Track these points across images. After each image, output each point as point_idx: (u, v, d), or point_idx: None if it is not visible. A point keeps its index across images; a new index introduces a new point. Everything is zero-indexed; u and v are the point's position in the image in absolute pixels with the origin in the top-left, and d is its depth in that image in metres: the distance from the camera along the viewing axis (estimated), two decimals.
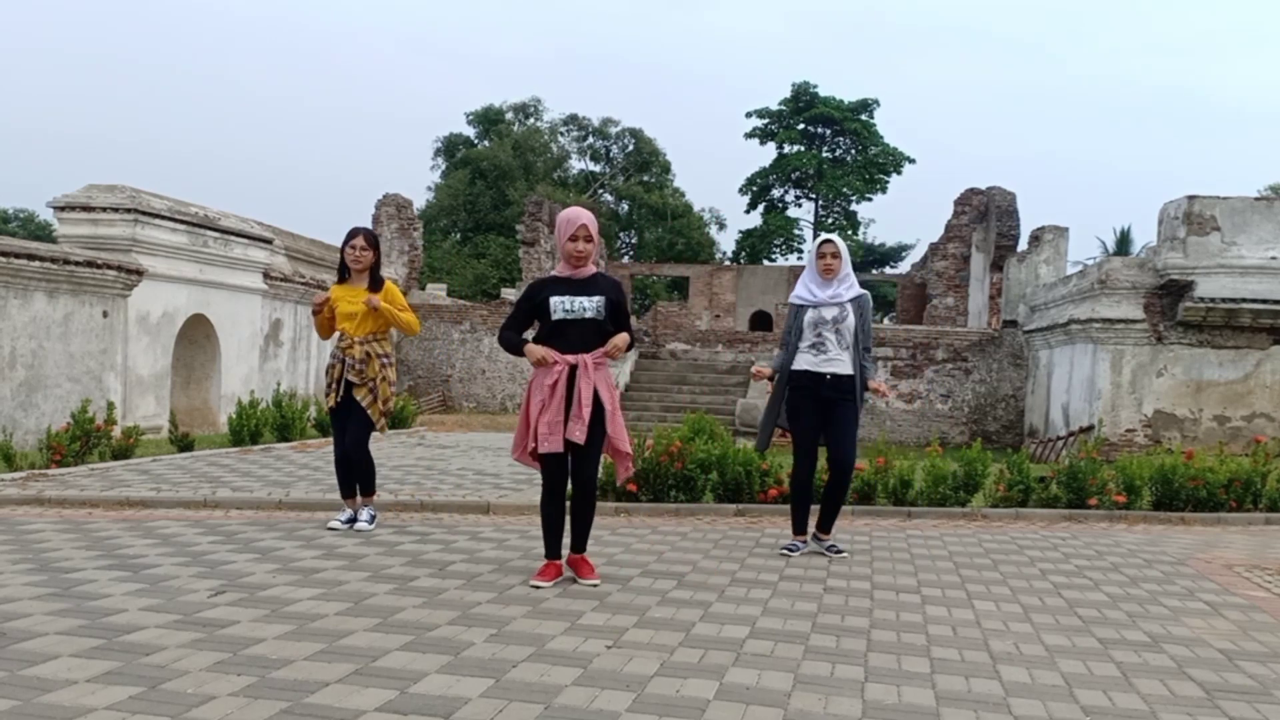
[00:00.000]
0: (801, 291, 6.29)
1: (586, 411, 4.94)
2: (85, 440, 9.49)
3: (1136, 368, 15.51)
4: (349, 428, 6.52)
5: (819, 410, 6.15)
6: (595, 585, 5.03)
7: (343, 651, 3.75)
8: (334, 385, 6.48)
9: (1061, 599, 5.15)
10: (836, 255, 6.19)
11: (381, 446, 12.36)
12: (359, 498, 6.66)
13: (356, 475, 6.60)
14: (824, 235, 6.37)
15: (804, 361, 6.14)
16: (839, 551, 6.19)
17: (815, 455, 6.30)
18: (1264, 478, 8.66)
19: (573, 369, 4.98)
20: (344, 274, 6.60)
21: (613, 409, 5.09)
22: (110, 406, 10.80)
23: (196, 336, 15.05)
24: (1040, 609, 4.91)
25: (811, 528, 6.38)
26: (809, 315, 6.17)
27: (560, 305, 5.00)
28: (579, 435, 4.95)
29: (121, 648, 3.71)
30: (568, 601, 4.71)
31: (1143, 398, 15.50)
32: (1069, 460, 8.81)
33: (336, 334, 6.68)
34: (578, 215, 5.08)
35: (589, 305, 5.01)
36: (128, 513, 7.16)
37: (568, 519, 5.21)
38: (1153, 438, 15.31)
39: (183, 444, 11.01)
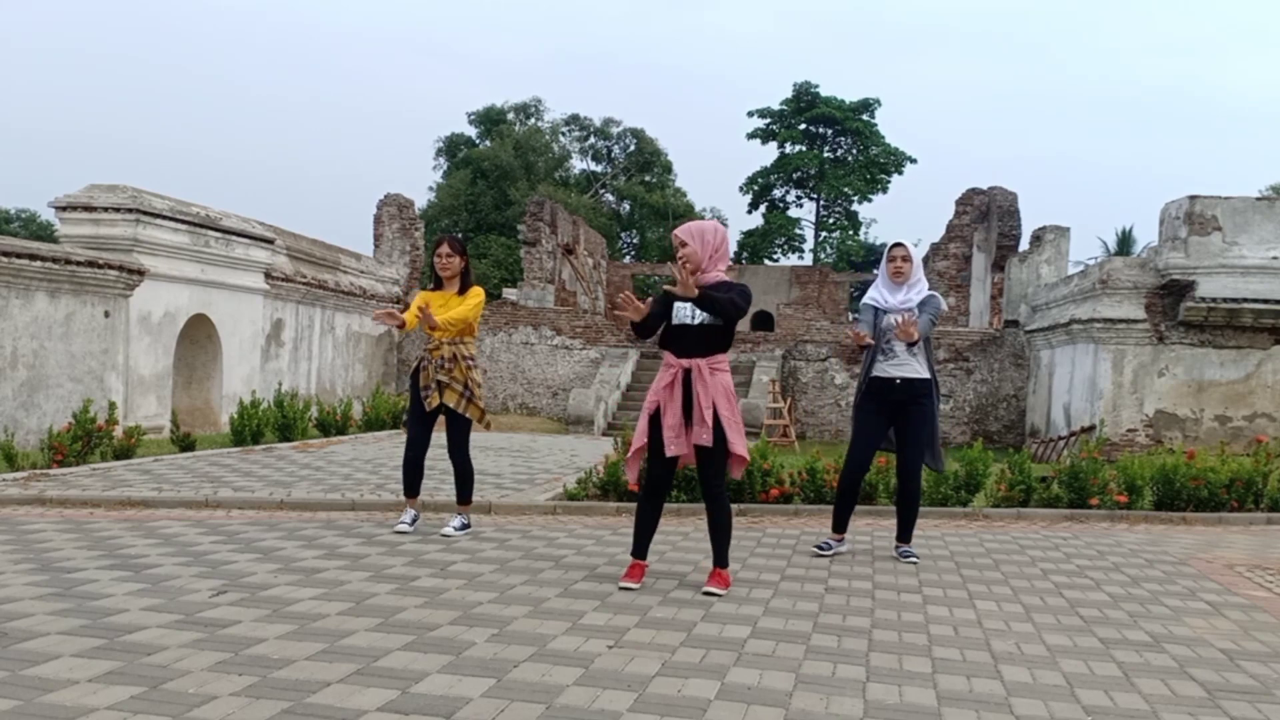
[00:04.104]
0: (874, 295, 6.30)
1: (708, 415, 4.98)
2: (87, 440, 9.50)
3: (1138, 367, 15.49)
4: (450, 435, 6.52)
5: (887, 414, 6.17)
6: (717, 595, 4.93)
7: (344, 651, 3.75)
8: (429, 387, 6.44)
9: (1063, 599, 5.15)
10: (907, 259, 6.22)
11: (384, 446, 12.36)
12: (457, 505, 6.68)
13: (457, 482, 6.61)
14: (894, 240, 6.39)
15: (876, 368, 6.18)
16: (911, 559, 6.10)
17: (868, 459, 6.33)
18: (1265, 478, 8.66)
19: (687, 373, 5.04)
20: (438, 282, 6.62)
21: (730, 415, 5.07)
22: (112, 406, 10.81)
23: (198, 336, 15.05)
24: (1042, 609, 4.91)
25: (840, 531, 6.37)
26: (883, 321, 6.19)
27: (681, 311, 5.11)
28: (706, 439, 4.99)
29: (123, 648, 3.72)
30: (569, 601, 4.71)
31: (1144, 398, 15.49)
32: (1070, 460, 8.80)
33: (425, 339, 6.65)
34: (679, 229, 5.20)
35: (698, 314, 5.08)
36: (129, 513, 7.17)
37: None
38: (1154, 438, 15.29)
39: (184, 444, 11.01)
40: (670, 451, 5.04)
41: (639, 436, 5.18)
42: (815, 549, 6.25)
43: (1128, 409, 15.49)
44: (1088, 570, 5.96)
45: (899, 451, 6.27)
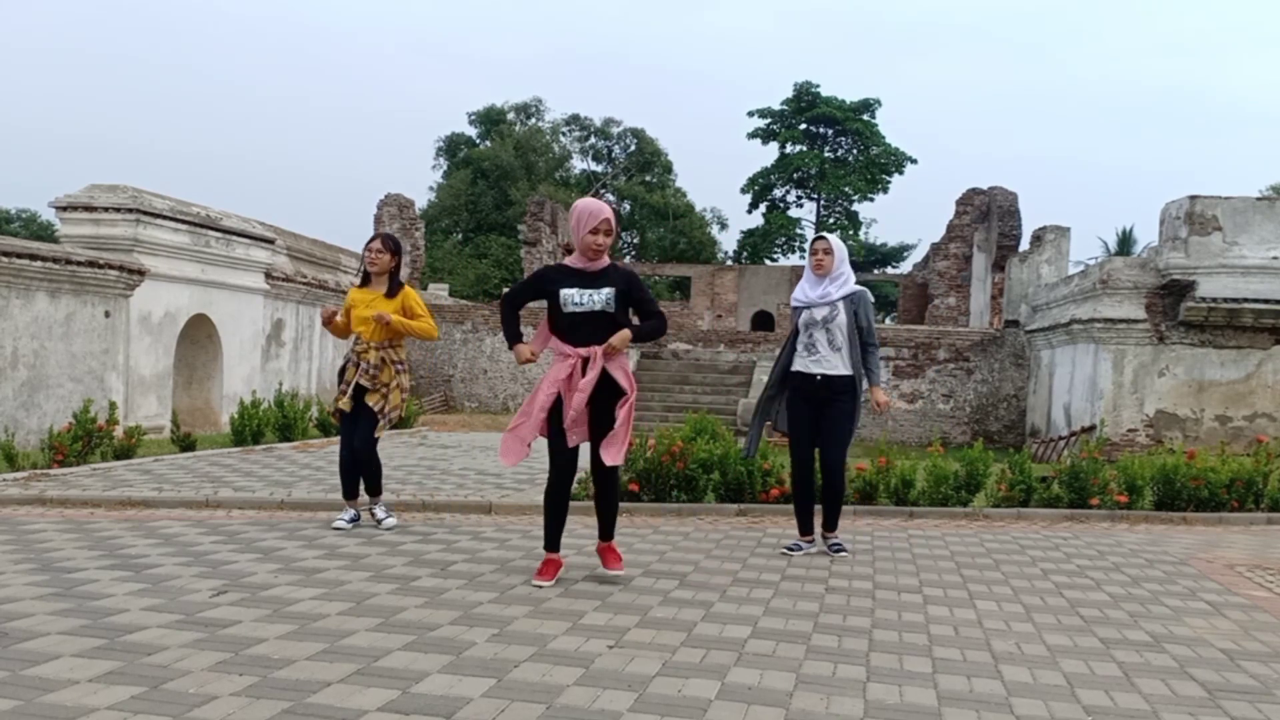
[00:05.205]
0: (797, 293, 6.34)
1: (581, 399, 4.92)
2: (87, 440, 9.50)
3: (1138, 367, 15.49)
4: (359, 428, 6.52)
5: (812, 411, 6.15)
6: (620, 575, 5.07)
7: (344, 651, 3.75)
8: (345, 388, 6.48)
9: (1063, 599, 5.15)
10: (829, 252, 6.16)
11: (384, 447, 12.29)
12: (368, 499, 6.71)
13: (364, 475, 6.62)
14: (817, 233, 6.41)
15: (798, 363, 6.17)
16: (840, 550, 6.18)
17: (811, 457, 6.30)
18: (1265, 478, 8.65)
19: (585, 362, 4.97)
20: (366, 278, 6.63)
21: (631, 397, 5.05)
22: (112, 406, 10.81)
23: (198, 336, 15.05)
24: (1042, 608, 4.91)
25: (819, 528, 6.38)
26: (803, 316, 6.19)
27: (571, 299, 4.98)
28: (576, 438, 5.01)
29: (123, 648, 3.71)
30: (569, 601, 4.71)
31: (1144, 397, 15.49)
32: (1071, 460, 8.80)
33: (353, 336, 6.70)
34: (600, 208, 5.03)
35: (599, 298, 4.98)
36: (129, 513, 7.17)
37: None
38: (1154, 437, 15.29)
39: (184, 444, 11.01)
40: (572, 442, 5.03)
41: (532, 429, 5.05)
42: (784, 550, 6.26)
43: (1128, 409, 15.49)
44: (1088, 570, 5.96)
45: (820, 447, 6.21)
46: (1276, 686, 3.75)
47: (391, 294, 6.55)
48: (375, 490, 6.70)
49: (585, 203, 5.09)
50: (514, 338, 5.19)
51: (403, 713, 3.11)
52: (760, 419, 6.42)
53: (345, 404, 6.47)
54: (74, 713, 3.03)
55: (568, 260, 5.15)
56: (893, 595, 5.11)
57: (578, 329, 5.00)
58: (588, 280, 5.02)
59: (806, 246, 6.39)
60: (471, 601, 4.62)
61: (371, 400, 6.46)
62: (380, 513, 6.67)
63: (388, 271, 6.58)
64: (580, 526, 7.09)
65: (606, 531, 5.25)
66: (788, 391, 6.25)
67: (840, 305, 6.10)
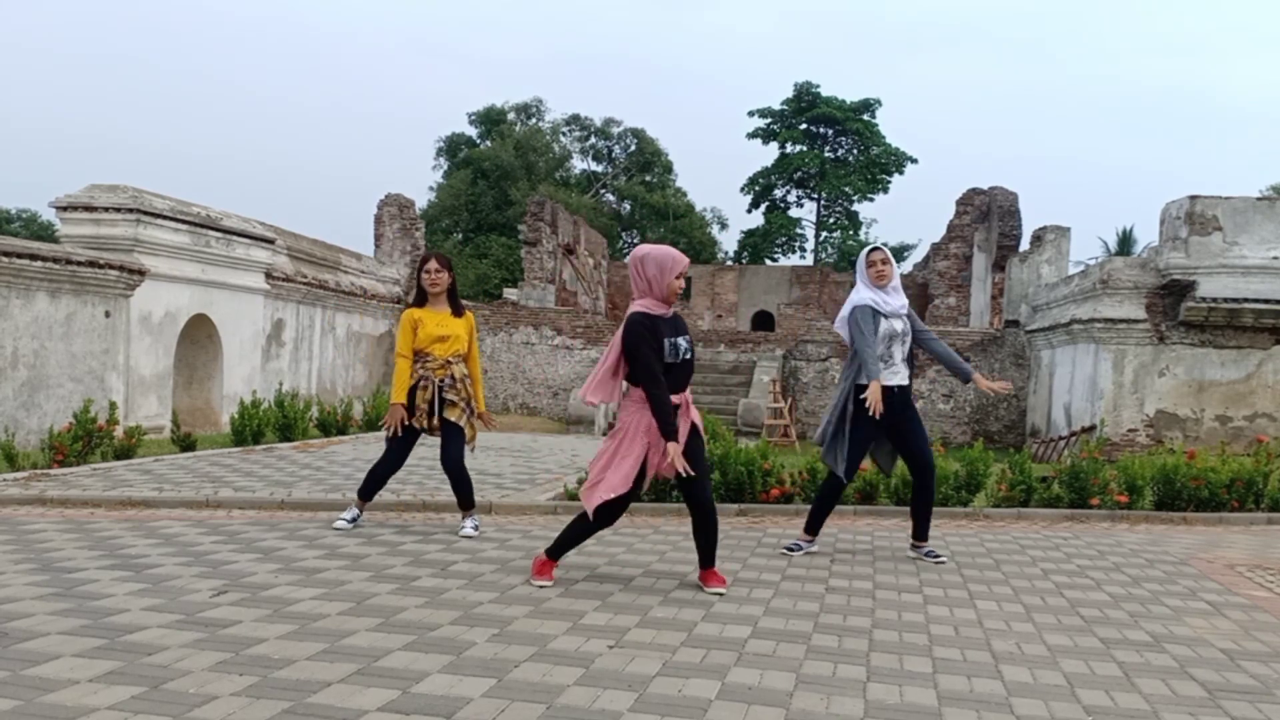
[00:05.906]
0: (876, 297, 6.10)
1: (683, 442, 4.97)
2: (87, 440, 9.50)
3: (1138, 367, 15.49)
4: (449, 445, 6.52)
5: (882, 422, 6.05)
6: (721, 594, 4.99)
7: (345, 651, 3.75)
8: (427, 406, 6.46)
9: (1063, 599, 5.15)
10: (887, 262, 6.19)
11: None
12: (461, 513, 6.73)
13: (458, 490, 6.61)
14: (871, 245, 6.46)
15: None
16: (939, 559, 6.08)
17: (857, 468, 6.29)
18: (1266, 478, 8.65)
19: (677, 408, 4.99)
20: (422, 298, 6.63)
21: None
22: (112, 406, 10.82)
23: (199, 336, 15.05)
24: (1042, 609, 4.91)
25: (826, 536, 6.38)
26: (883, 327, 6.06)
27: (672, 348, 4.99)
28: (684, 468, 4.90)
29: (124, 648, 3.72)
30: (569, 601, 4.71)
31: (1144, 397, 15.49)
32: (1071, 460, 8.80)
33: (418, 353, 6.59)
34: (681, 255, 5.11)
35: (686, 344, 5.10)
36: (130, 513, 7.17)
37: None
38: (1155, 437, 15.29)
39: (185, 444, 11.01)
40: (666, 472, 5.04)
41: (624, 483, 4.93)
42: (784, 549, 6.26)
43: (1128, 409, 15.49)
44: (1088, 570, 5.96)
45: (912, 450, 6.18)
46: (1276, 686, 3.75)
47: (459, 313, 6.65)
48: (470, 503, 6.68)
49: (664, 249, 5.08)
50: (674, 428, 4.92)
51: (403, 713, 3.12)
52: (836, 441, 6.14)
53: (425, 422, 6.49)
54: (74, 713, 3.03)
55: (649, 308, 5.02)
56: (893, 595, 5.11)
57: (674, 376, 4.99)
58: (678, 327, 5.09)
59: (861, 258, 6.29)
60: (472, 601, 4.63)
61: (454, 415, 6.49)
62: (469, 524, 6.59)
63: (447, 290, 6.63)
64: None
65: (710, 559, 5.15)
66: (853, 408, 6.02)
67: (907, 319, 6.19)
